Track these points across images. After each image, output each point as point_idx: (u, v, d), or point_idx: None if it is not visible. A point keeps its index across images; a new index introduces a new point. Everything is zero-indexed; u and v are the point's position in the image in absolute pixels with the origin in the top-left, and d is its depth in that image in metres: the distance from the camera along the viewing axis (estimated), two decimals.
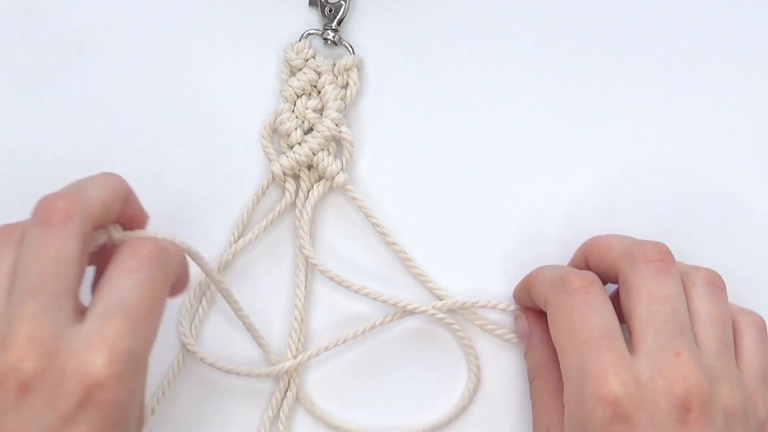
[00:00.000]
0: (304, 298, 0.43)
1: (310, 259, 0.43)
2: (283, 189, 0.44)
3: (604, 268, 0.40)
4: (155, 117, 0.45)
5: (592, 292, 0.38)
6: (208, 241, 0.44)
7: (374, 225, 0.44)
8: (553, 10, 0.46)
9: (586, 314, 0.37)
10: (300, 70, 0.44)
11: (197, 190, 0.44)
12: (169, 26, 0.45)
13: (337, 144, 0.44)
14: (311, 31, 0.45)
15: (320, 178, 0.44)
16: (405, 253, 0.44)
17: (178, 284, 0.37)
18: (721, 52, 0.46)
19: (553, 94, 0.45)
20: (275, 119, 0.44)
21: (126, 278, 0.34)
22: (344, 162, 0.43)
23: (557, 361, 0.39)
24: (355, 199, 0.43)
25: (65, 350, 0.32)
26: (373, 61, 0.45)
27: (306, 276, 0.43)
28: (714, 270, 0.40)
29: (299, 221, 0.43)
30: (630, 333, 0.37)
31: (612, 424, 0.35)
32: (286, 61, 0.44)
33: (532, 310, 0.42)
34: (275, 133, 0.44)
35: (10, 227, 0.36)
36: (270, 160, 0.44)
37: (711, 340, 0.38)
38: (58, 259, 0.33)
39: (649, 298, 0.37)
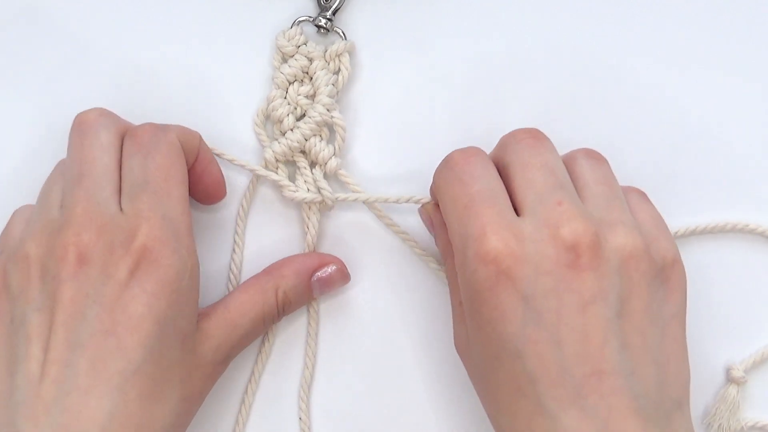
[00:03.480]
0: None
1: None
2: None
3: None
4: (150, 106, 0.45)
5: (472, 162, 0.38)
6: (204, 226, 0.44)
7: (371, 209, 0.43)
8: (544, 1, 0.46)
9: (465, 182, 0.37)
10: (292, 56, 0.44)
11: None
12: (162, 15, 0.45)
13: (329, 130, 0.44)
14: (303, 18, 0.45)
15: (313, 164, 0.43)
16: (406, 233, 0.43)
17: (194, 157, 0.40)
18: None
19: (548, 85, 0.45)
20: (267, 106, 0.44)
21: (134, 159, 0.38)
22: (336, 147, 0.43)
23: None
24: (348, 183, 0.43)
25: (111, 226, 0.36)
26: (367, 48, 0.45)
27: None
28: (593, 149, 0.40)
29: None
30: (513, 203, 0.37)
31: (496, 282, 0.34)
32: (278, 47, 0.44)
33: (429, 203, 0.42)
34: (268, 120, 0.44)
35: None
36: (263, 147, 0.44)
37: (598, 195, 0.37)
38: (92, 147, 0.38)
39: (524, 165, 0.37)
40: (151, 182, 0.37)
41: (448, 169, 0.38)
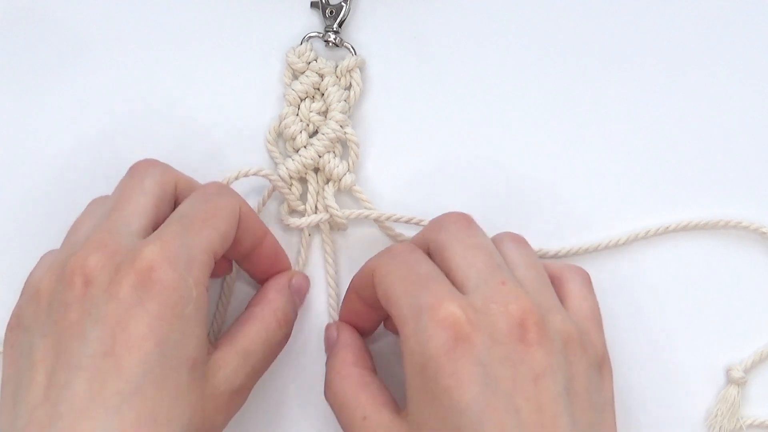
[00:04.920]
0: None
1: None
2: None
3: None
4: (157, 121, 0.45)
5: (415, 251, 0.38)
6: None
7: (381, 227, 0.44)
8: (553, 9, 0.46)
9: (411, 265, 0.37)
10: (302, 73, 0.44)
11: None
12: (169, 31, 0.45)
13: (342, 146, 0.44)
14: (312, 34, 0.45)
15: (327, 181, 0.44)
16: None
17: (249, 234, 0.40)
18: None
19: (556, 93, 0.45)
20: (280, 123, 0.44)
21: (188, 202, 0.38)
22: (350, 163, 0.44)
23: (358, 362, 0.39)
24: (362, 200, 0.44)
25: (124, 250, 0.36)
26: (376, 62, 0.45)
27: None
28: (515, 233, 0.40)
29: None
30: (454, 284, 0.37)
31: (454, 347, 0.34)
32: (289, 64, 0.44)
33: (342, 323, 0.42)
34: (280, 136, 0.44)
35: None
36: (276, 164, 0.44)
37: (531, 279, 0.38)
38: (133, 189, 0.38)
39: (462, 246, 0.37)
40: (188, 217, 0.37)
41: (391, 256, 0.38)
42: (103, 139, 0.44)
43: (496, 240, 0.39)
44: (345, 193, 0.44)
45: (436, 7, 0.46)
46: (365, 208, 0.44)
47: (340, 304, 0.43)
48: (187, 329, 0.35)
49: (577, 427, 0.35)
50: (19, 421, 0.34)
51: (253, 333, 0.39)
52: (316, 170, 0.44)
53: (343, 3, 0.45)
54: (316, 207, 0.44)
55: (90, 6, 0.45)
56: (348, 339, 0.41)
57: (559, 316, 0.36)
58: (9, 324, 0.38)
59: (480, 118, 0.45)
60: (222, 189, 0.40)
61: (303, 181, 0.44)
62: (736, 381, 0.44)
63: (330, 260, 0.44)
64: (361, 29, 0.46)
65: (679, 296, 0.44)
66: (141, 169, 0.39)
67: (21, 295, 0.38)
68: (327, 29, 0.45)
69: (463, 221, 0.39)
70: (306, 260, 0.44)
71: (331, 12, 0.45)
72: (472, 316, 0.35)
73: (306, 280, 0.43)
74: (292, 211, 0.44)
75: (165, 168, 0.40)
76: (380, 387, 0.38)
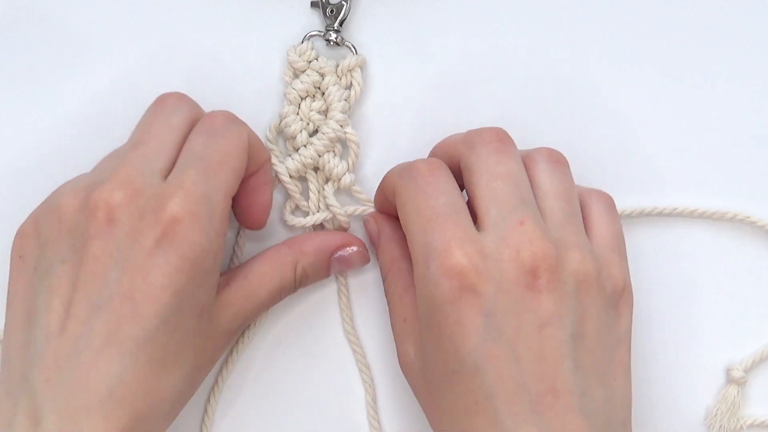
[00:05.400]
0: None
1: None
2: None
3: (448, 162, 0.40)
4: None
5: (436, 174, 0.38)
6: None
7: None
8: (553, 9, 0.46)
9: (430, 194, 0.37)
10: (303, 72, 0.44)
11: None
12: (169, 31, 0.45)
13: (342, 145, 0.44)
14: (313, 33, 0.45)
15: (327, 180, 0.44)
16: None
17: (255, 169, 0.40)
18: None
19: (556, 93, 0.45)
20: (280, 122, 0.44)
21: (199, 138, 0.38)
22: (350, 163, 0.44)
23: (407, 255, 0.39)
24: (362, 200, 0.44)
25: (148, 193, 0.36)
26: (376, 61, 0.45)
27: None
28: (555, 149, 0.40)
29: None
30: (475, 212, 0.37)
31: (459, 296, 0.35)
32: (289, 63, 0.44)
33: (380, 212, 0.43)
34: (280, 135, 0.44)
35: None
36: (276, 163, 0.44)
37: (557, 211, 0.38)
38: (160, 124, 0.39)
39: (489, 174, 0.37)
40: (205, 160, 0.37)
41: (410, 178, 0.38)
42: (104, 139, 0.44)
43: (532, 158, 0.39)
44: (345, 192, 0.44)
45: (436, 7, 0.46)
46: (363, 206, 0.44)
47: (349, 297, 0.44)
48: (203, 281, 0.36)
49: (581, 372, 0.35)
50: (35, 345, 0.35)
51: (268, 277, 0.40)
52: (316, 169, 0.44)
53: (343, 2, 0.45)
54: (318, 206, 0.44)
55: (90, 6, 0.45)
56: (390, 231, 0.42)
57: (578, 255, 0.36)
58: (22, 230, 0.38)
59: (480, 118, 0.45)
60: (229, 119, 0.40)
61: (302, 179, 0.44)
62: (737, 380, 0.44)
63: None
64: (361, 29, 0.46)
65: (680, 295, 0.45)
66: (171, 103, 0.40)
67: (42, 204, 0.38)
68: (328, 28, 0.45)
69: (496, 143, 0.38)
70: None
71: (332, 11, 0.45)
72: (479, 265, 0.35)
73: (361, 257, 0.43)
74: (296, 209, 0.44)
75: (193, 105, 0.40)
76: None
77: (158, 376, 0.35)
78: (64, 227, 0.36)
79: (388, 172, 0.40)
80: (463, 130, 0.44)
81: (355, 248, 0.42)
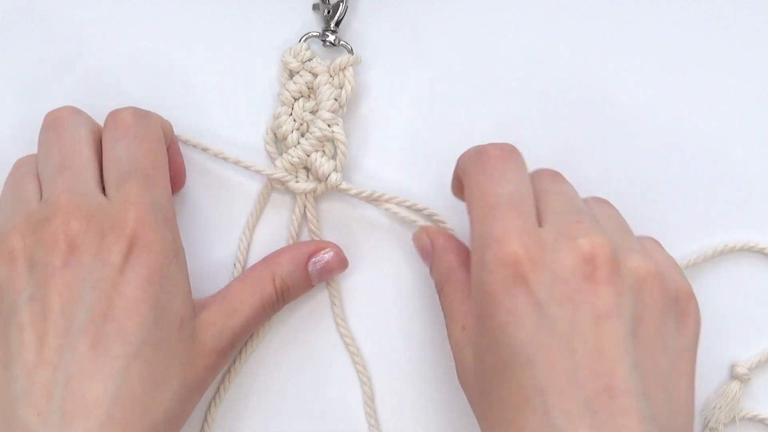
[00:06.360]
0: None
1: None
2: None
3: None
4: None
5: (507, 160, 0.38)
6: (212, 246, 0.45)
7: (379, 202, 0.44)
8: (553, 9, 0.45)
9: (497, 181, 0.37)
10: (297, 72, 0.44)
11: (202, 194, 0.45)
12: (169, 32, 0.46)
13: (334, 145, 0.44)
14: (311, 34, 0.45)
15: (317, 180, 0.44)
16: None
17: (171, 146, 0.41)
18: None
19: (556, 93, 0.45)
20: (274, 123, 0.44)
21: (119, 143, 0.38)
22: (338, 162, 0.44)
23: (464, 264, 0.39)
24: (351, 195, 0.43)
25: (99, 213, 0.36)
26: (376, 62, 0.45)
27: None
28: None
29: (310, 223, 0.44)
30: (536, 206, 0.37)
31: (512, 286, 0.34)
32: (284, 64, 0.45)
33: (430, 226, 0.42)
34: (277, 136, 0.45)
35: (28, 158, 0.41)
36: (273, 161, 0.44)
37: (613, 227, 0.37)
38: (72, 140, 0.38)
39: (544, 192, 0.38)
40: (140, 169, 0.38)
41: (480, 163, 0.38)
42: None
43: (583, 198, 0.39)
44: (332, 191, 0.44)
45: (436, 7, 0.46)
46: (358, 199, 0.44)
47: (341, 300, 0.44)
48: (174, 287, 0.37)
49: (641, 372, 0.33)
50: (16, 383, 0.34)
51: (247, 293, 0.40)
52: (308, 169, 0.44)
53: (340, 2, 0.45)
54: (305, 208, 0.44)
55: (90, 6, 0.45)
56: (444, 242, 0.42)
57: (639, 255, 0.35)
58: None
59: (480, 118, 0.45)
60: (139, 117, 0.40)
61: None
62: (740, 377, 0.43)
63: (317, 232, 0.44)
64: (361, 29, 0.46)
65: None
66: (67, 117, 0.40)
67: None
68: (325, 29, 0.45)
69: (550, 175, 0.39)
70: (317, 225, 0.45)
71: (329, 12, 0.45)
72: (535, 255, 0.35)
73: (338, 260, 0.43)
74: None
75: (84, 115, 0.40)
76: None
77: (151, 394, 0.35)
78: (20, 267, 0.36)
79: (461, 155, 0.40)
80: (463, 130, 0.45)
81: (330, 252, 0.43)
